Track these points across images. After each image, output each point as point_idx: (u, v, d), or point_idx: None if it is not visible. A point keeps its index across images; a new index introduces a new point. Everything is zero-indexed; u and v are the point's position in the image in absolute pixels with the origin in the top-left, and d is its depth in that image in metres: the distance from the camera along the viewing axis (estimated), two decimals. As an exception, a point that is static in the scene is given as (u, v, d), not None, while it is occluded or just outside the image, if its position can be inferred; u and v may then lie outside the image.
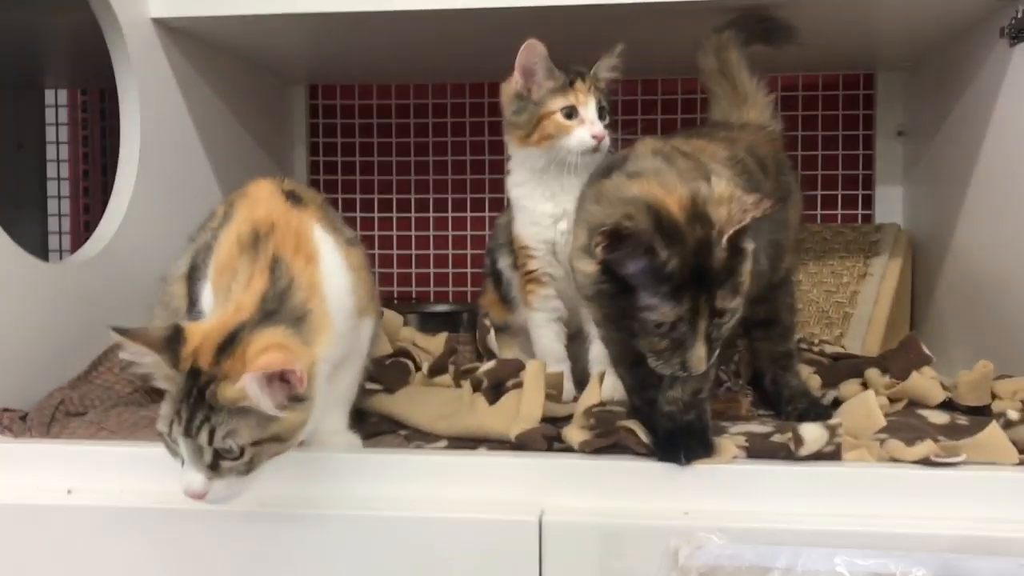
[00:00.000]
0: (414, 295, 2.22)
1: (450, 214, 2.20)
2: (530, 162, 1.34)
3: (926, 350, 1.24)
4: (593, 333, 1.36)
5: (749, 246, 0.91)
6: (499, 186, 2.17)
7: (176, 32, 1.59)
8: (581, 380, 1.34)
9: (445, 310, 2.08)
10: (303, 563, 0.97)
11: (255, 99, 1.96)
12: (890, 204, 2.01)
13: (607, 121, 1.30)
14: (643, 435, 0.98)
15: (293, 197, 1.05)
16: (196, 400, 0.87)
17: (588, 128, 1.28)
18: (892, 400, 1.17)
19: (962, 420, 1.12)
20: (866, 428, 1.01)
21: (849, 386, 1.24)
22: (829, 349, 1.38)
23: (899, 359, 1.24)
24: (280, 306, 0.92)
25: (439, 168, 2.20)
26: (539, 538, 0.93)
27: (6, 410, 1.17)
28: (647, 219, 0.89)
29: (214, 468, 0.88)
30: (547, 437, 1.02)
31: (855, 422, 1.01)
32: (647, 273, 0.89)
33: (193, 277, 1.07)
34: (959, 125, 1.65)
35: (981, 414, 1.15)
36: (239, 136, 1.90)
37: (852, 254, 1.76)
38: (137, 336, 0.90)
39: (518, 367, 1.16)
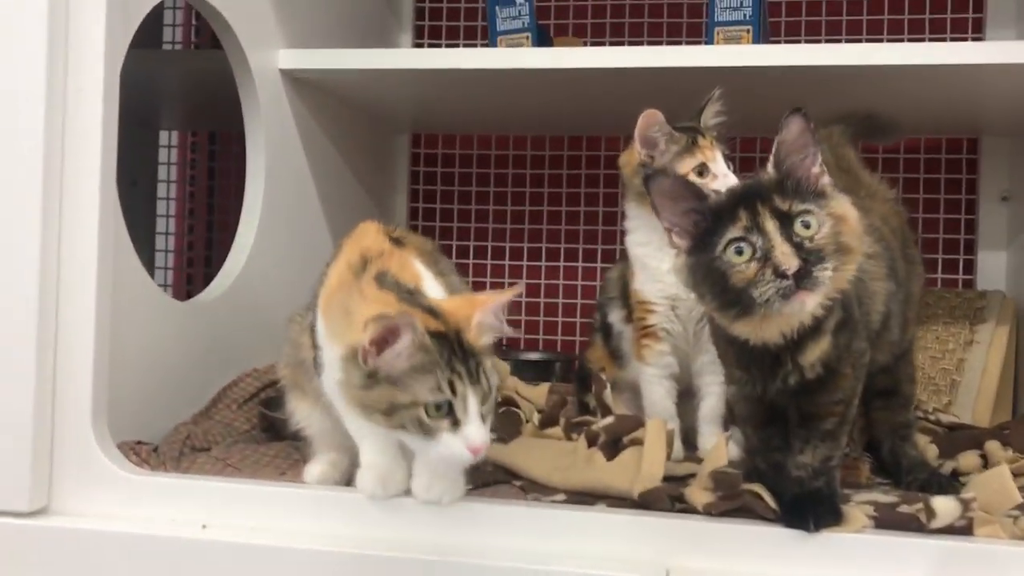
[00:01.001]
0: (504, 342, 2.25)
1: (543, 263, 2.23)
2: (654, 223, 1.36)
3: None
4: (704, 391, 1.38)
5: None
6: (593, 237, 2.21)
7: (299, 82, 1.66)
8: (686, 439, 1.35)
9: (537, 358, 2.10)
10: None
11: (362, 146, 2.02)
12: (993, 270, 1.99)
13: (732, 169, 1.32)
14: (770, 500, 0.99)
15: (396, 240, 1.10)
16: (463, 354, 0.93)
17: (723, 182, 1.30)
18: (1016, 475, 1.15)
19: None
20: (999, 504, 1.00)
21: (968, 458, 1.23)
22: (944, 418, 1.37)
23: (1020, 433, 1.23)
24: (403, 290, 0.99)
25: (534, 218, 2.24)
26: (665, 598, 0.94)
27: (139, 443, 1.22)
28: None
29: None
30: (671, 497, 1.03)
31: (987, 496, 1.00)
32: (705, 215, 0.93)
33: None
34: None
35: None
36: (348, 181, 1.96)
37: (956, 320, 1.74)
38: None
39: (636, 423, 1.17)
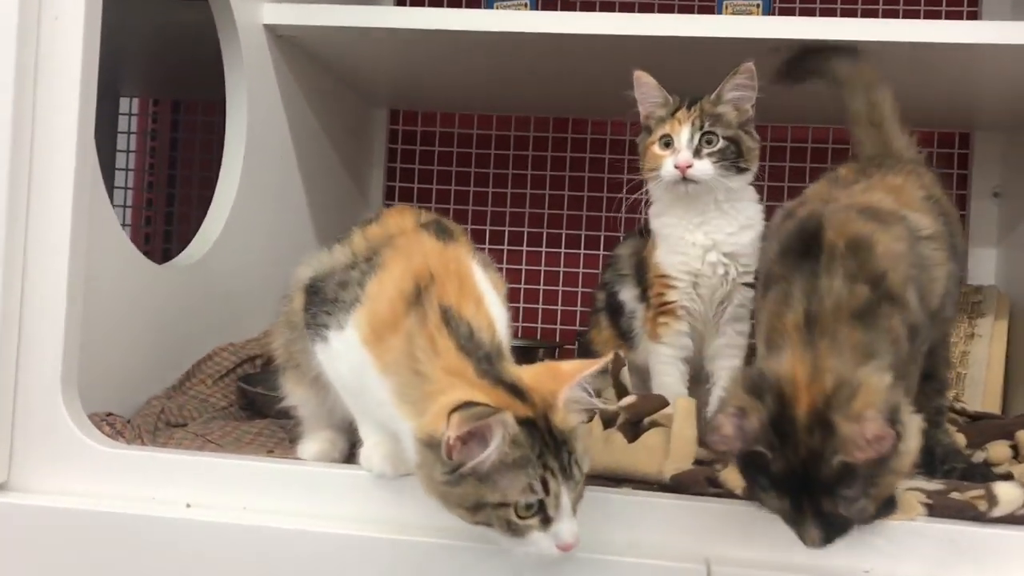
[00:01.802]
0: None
1: (525, 248, 2.15)
2: (656, 193, 1.30)
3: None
4: (717, 375, 1.31)
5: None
6: (576, 222, 2.13)
7: (283, 41, 1.56)
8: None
9: (520, 345, 2.01)
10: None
11: (341, 117, 1.92)
12: (983, 266, 1.95)
13: (716, 147, 1.24)
14: (815, 484, 0.91)
15: (440, 230, 0.99)
16: (554, 443, 0.82)
17: (674, 158, 1.24)
18: (1051, 465, 1.10)
19: None
20: None
21: (997, 448, 1.17)
22: (968, 408, 1.32)
23: (1053, 422, 1.18)
24: (481, 349, 0.87)
25: (516, 201, 2.15)
26: (707, 589, 0.86)
27: (110, 414, 1.10)
28: (764, 414, 0.82)
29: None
30: (707, 479, 0.95)
31: (1048, 485, 0.94)
32: (752, 460, 0.83)
33: (316, 296, 1.00)
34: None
35: None
36: (327, 153, 1.86)
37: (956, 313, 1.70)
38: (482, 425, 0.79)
39: (660, 403, 1.10)
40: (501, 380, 0.84)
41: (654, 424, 1.09)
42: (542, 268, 2.14)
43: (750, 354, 1.34)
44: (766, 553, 0.89)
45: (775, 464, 0.81)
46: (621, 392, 1.20)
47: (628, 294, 1.36)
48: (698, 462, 1.02)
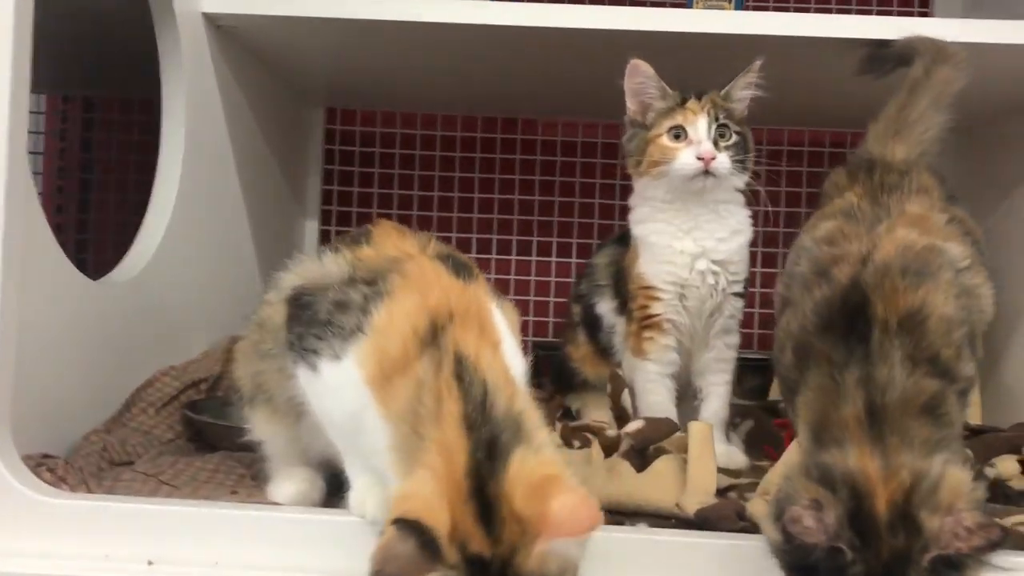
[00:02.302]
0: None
1: (472, 255, 2.04)
2: (649, 193, 1.22)
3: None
4: (706, 391, 1.24)
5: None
6: (527, 228, 2.04)
7: (222, 33, 1.43)
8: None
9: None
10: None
11: (277, 118, 1.79)
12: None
13: (730, 141, 1.19)
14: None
15: (459, 266, 0.86)
16: None
17: (694, 149, 1.16)
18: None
19: None
20: None
21: (1006, 463, 1.13)
22: (970, 422, 1.27)
23: (1060, 435, 1.14)
24: (490, 424, 0.73)
25: (463, 206, 2.05)
26: (747, 639, 0.78)
27: (46, 456, 0.96)
28: (841, 509, 0.73)
29: None
30: (737, 513, 0.87)
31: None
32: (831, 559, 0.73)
33: (304, 312, 0.87)
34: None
35: None
36: (264, 156, 1.73)
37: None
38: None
39: (670, 429, 1.01)
40: (483, 491, 0.69)
41: (660, 451, 1.01)
42: (492, 276, 2.03)
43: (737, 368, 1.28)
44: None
45: (854, 567, 0.72)
46: (621, 416, 1.11)
47: (605, 307, 1.28)
48: (721, 492, 0.94)
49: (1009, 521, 0.87)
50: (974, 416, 1.46)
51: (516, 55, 1.48)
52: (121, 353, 1.18)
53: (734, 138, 1.19)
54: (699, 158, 1.16)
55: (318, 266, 0.90)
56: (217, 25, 1.40)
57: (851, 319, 0.85)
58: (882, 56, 1.28)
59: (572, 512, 0.68)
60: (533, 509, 0.68)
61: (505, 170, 2.05)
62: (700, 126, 1.18)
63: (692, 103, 1.20)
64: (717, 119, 1.19)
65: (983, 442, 1.19)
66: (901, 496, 0.74)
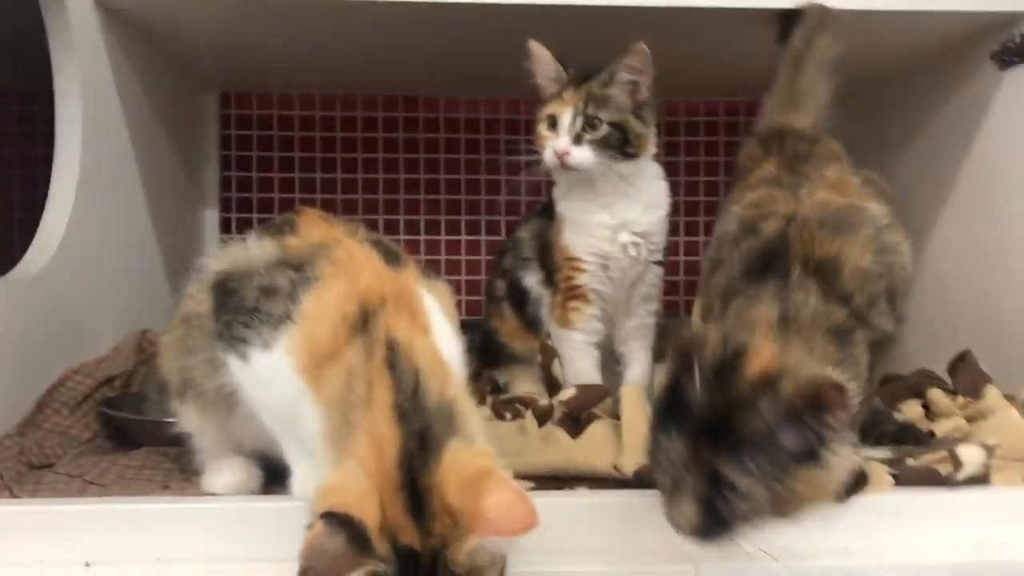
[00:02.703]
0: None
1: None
2: (583, 174, 1.23)
3: (983, 367, 1.21)
4: (629, 357, 1.27)
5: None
6: (435, 207, 2.03)
7: (113, 16, 1.37)
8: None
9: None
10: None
11: (173, 104, 1.73)
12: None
13: (598, 133, 1.19)
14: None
15: (388, 253, 0.86)
16: None
17: (554, 142, 1.19)
18: (968, 420, 1.12)
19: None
20: (1014, 449, 0.96)
21: (911, 407, 1.19)
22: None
23: (963, 378, 1.21)
24: (422, 413, 0.72)
25: (368, 187, 2.03)
26: (696, 589, 0.81)
27: (-38, 464, 0.92)
28: (717, 354, 0.77)
29: None
30: (673, 472, 0.89)
31: (1005, 442, 0.95)
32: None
33: (230, 299, 0.85)
34: (932, 148, 1.67)
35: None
36: (161, 145, 1.67)
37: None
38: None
39: (602, 394, 1.04)
40: (414, 482, 0.69)
41: (592, 417, 1.03)
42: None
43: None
44: (754, 542, 0.84)
45: (698, 404, 0.75)
46: (552, 384, 1.13)
47: (532, 279, 1.29)
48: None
49: (922, 460, 0.92)
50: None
51: (410, 31, 1.46)
52: (27, 353, 1.14)
53: (604, 130, 1.19)
54: (555, 152, 1.18)
55: (243, 250, 0.88)
56: (107, 8, 1.35)
57: (773, 263, 0.89)
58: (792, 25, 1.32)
59: (508, 511, 0.67)
60: (467, 503, 0.68)
61: (409, 149, 2.04)
62: (565, 118, 1.19)
63: (567, 92, 1.21)
64: (586, 110, 1.19)
65: (888, 390, 1.25)
66: (776, 370, 0.74)
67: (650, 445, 0.79)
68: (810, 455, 0.73)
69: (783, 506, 0.75)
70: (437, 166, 2.03)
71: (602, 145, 1.19)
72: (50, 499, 0.87)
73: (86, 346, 1.29)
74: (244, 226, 1.96)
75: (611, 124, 1.19)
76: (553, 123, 1.20)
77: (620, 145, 1.20)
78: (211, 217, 1.98)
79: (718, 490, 0.75)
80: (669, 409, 0.77)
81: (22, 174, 1.96)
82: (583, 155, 1.18)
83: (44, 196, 1.26)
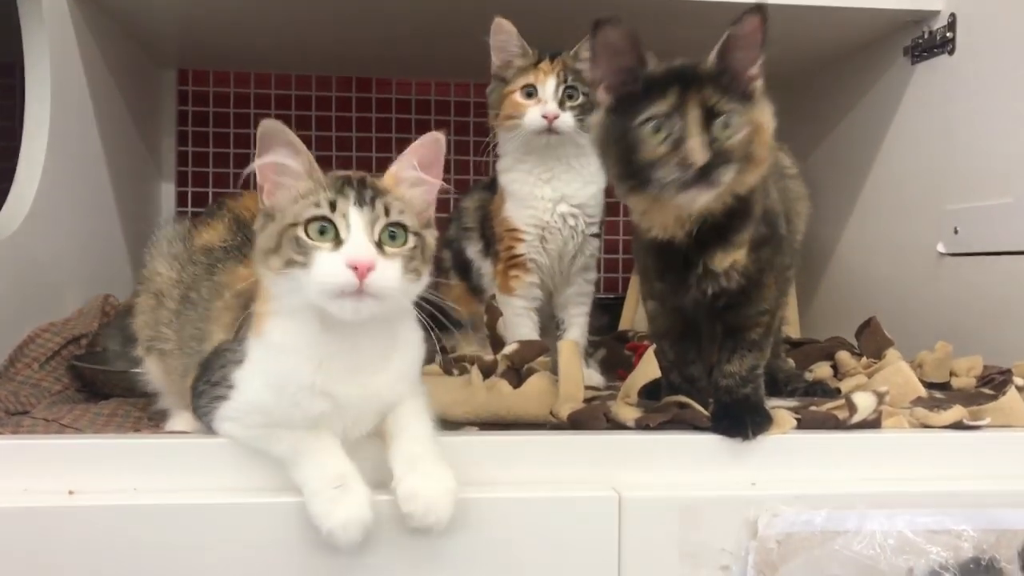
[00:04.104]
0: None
1: (333, 212, 2.10)
2: (508, 146, 1.32)
3: (887, 333, 1.33)
4: (568, 321, 1.36)
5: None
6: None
7: (81, -2, 1.43)
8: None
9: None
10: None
11: (133, 80, 1.79)
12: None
13: (577, 101, 1.29)
14: (700, 408, 0.99)
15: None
16: (359, 185, 0.85)
17: (541, 107, 1.28)
18: (871, 377, 1.24)
19: (938, 395, 1.21)
20: (903, 396, 1.08)
21: (822, 367, 1.31)
22: (791, 336, 1.45)
23: (868, 342, 1.33)
24: None
25: (322, 165, 2.09)
26: (619, 513, 0.91)
27: (-54, 407, 0.98)
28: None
29: None
30: (604, 415, 1.00)
31: (893, 391, 1.07)
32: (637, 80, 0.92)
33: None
34: (852, 135, 1.80)
35: (944, 389, 1.26)
36: (123, 118, 1.73)
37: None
38: None
39: (541, 349, 1.13)
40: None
41: (531, 371, 1.13)
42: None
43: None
44: (666, 474, 0.95)
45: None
46: (497, 342, 1.22)
47: (473, 249, 1.38)
48: (587, 400, 1.06)
49: (825, 407, 1.03)
50: (794, 331, 1.66)
51: (364, 14, 1.54)
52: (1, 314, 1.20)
53: (581, 98, 1.29)
54: (544, 116, 1.27)
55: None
56: (74, -12, 1.41)
57: None
58: None
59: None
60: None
61: (362, 128, 2.11)
62: (548, 86, 1.28)
63: (544, 64, 1.30)
64: (566, 80, 1.29)
65: (803, 352, 1.37)
66: None
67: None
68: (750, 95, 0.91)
69: (753, 136, 0.90)
70: (389, 145, 2.11)
71: (579, 112, 1.28)
72: (36, 435, 0.95)
73: (53, 305, 1.36)
74: (200, 200, 2.04)
75: (584, 94, 1.29)
76: (530, 93, 1.29)
77: (589, 115, 1.28)
78: (167, 190, 2.04)
79: (712, 118, 0.88)
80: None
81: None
82: (567, 120, 1.27)
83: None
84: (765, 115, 0.94)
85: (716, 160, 0.88)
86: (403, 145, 2.07)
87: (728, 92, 0.91)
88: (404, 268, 0.82)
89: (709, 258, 0.97)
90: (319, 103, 2.11)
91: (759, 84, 0.94)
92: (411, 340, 0.91)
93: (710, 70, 0.91)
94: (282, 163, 0.84)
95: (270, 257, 0.83)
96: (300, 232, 0.80)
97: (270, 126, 0.83)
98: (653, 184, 0.89)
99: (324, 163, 2.07)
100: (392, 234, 0.82)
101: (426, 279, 0.86)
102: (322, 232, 0.80)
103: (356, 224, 0.80)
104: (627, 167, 0.92)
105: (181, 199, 2.05)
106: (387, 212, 0.82)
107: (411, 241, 0.83)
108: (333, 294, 0.79)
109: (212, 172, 2.08)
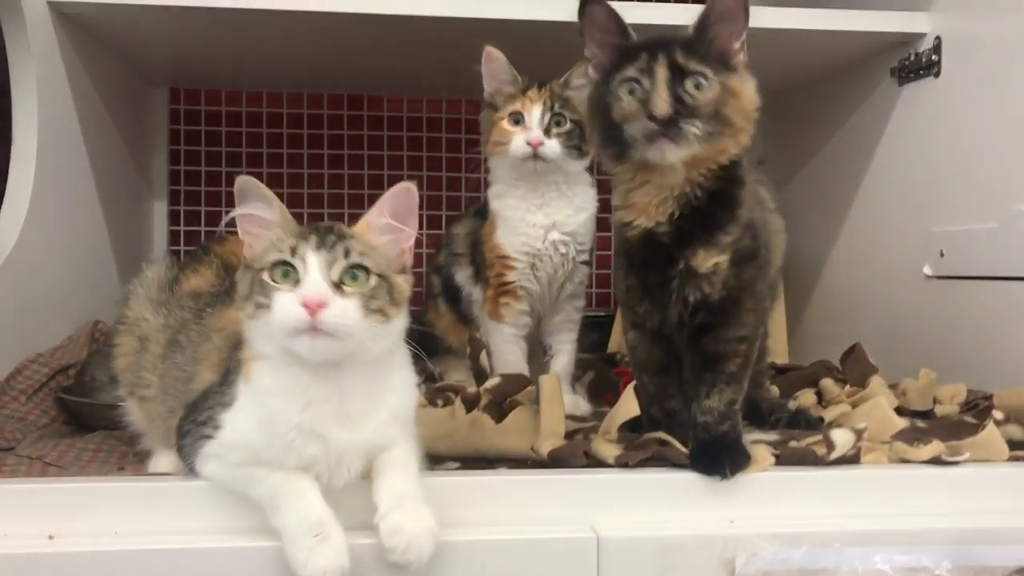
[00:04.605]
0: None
1: (325, 230, 2.11)
2: (498, 171, 1.33)
3: (871, 360, 1.34)
4: (555, 348, 1.37)
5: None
6: (376, 202, 2.11)
7: (67, 19, 1.44)
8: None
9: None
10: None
11: (123, 100, 1.79)
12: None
13: (563, 128, 1.30)
14: (678, 446, 0.99)
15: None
16: (324, 230, 0.87)
17: (526, 135, 1.29)
18: (853, 406, 1.25)
19: (920, 423, 1.21)
20: (882, 432, 1.08)
21: (806, 395, 1.32)
22: (776, 362, 1.46)
23: (852, 369, 1.33)
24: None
25: (313, 182, 2.11)
26: (597, 554, 0.91)
27: (-71, 447, 0.99)
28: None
29: None
30: (584, 452, 1.00)
31: (871, 426, 1.07)
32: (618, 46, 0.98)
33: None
34: (838, 155, 1.80)
35: (927, 417, 1.26)
36: (112, 139, 1.74)
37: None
38: None
39: (524, 383, 1.14)
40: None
41: (514, 404, 1.13)
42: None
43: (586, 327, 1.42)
44: (644, 512, 0.96)
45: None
46: (480, 374, 1.23)
47: (463, 275, 1.39)
48: (569, 434, 1.07)
49: (804, 441, 1.04)
50: (781, 356, 1.66)
51: (351, 37, 1.55)
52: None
53: (568, 126, 1.30)
54: (528, 143, 1.28)
55: None
56: (61, 12, 1.42)
57: None
58: None
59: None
60: None
61: (353, 146, 2.12)
62: (535, 113, 1.29)
63: (532, 91, 1.31)
64: (553, 108, 1.30)
65: (788, 379, 1.38)
66: None
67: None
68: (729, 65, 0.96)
69: (726, 99, 0.94)
70: (381, 162, 2.12)
71: (566, 139, 1.30)
72: (15, 479, 0.95)
73: (41, 333, 1.36)
74: (192, 219, 2.05)
75: (572, 122, 1.30)
76: (517, 120, 1.30)
77: (578, 142, 1.31)
78: (160, 209, 2.04)
79: (682, 79, 0.94)
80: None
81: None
82: (553, 146, 1.28)
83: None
84: (745, 86, 0.98)
85: (682, 113, 0.93)
86: (395, 162, 2.11)
87: (704, 58, 0.96)
88: (364, 307, 0.83)
89: (692, 255, 0.99)
90: (311, 121, 2.11)
91: (742, 58, 0.99)
92: (403, 383, 0.93)
93: (686, 37, 0.97)
94: (256, 215, 0.85)
95: (245, 304, 0.85)
96: (265, 276, 0.83)
97: (243, 181, 0.86)
98: (626, 144, 0.96)
99: (316, 180, 2.09)
100: (353, 275, 0.84)
101: (400, 322, 0.88)
102: (285, 275, 0.83)
103: (312, 265, 0.83)
104: (607, 132, 0.98)
105: (173, 218, 2.06)
106: (347, 254, 0.84)
107: (373, 281, 0.84)
108: (289, 332, 0.82)
109: (204, 191, 2.08)
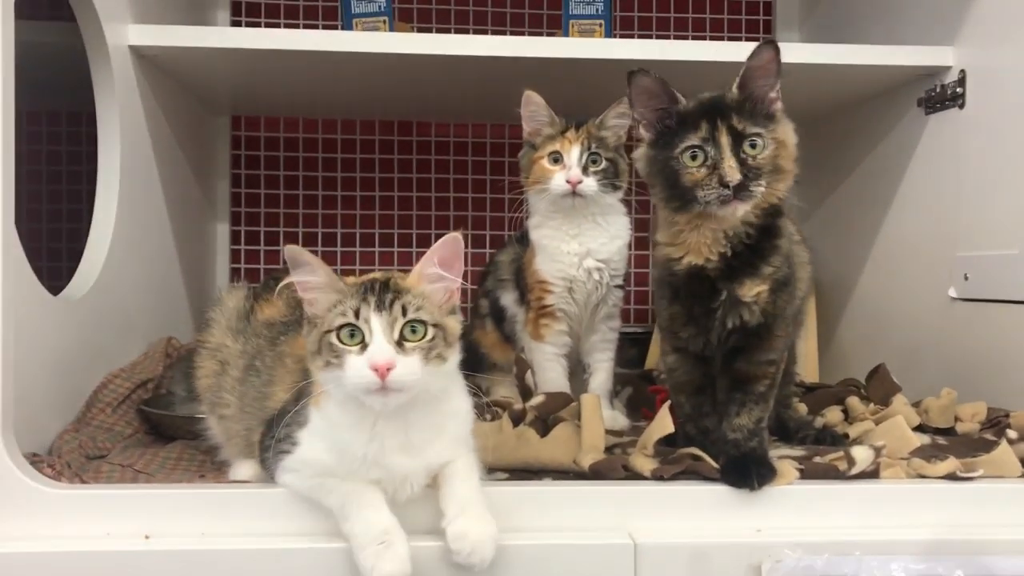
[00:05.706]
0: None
1: (376, 249, 2.22)
2: (537, 204, 1.43)
3: (895, 379, 1.41)
4: (594, 366, 1.46)
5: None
6: (426, 223, 2.23)
7: (144, 60, 1.56)
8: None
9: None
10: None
11: (190, 129, 1.92)
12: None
13: (600, 167, 1.39)
14: (710, 461, 1.08)
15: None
16: (381, 289, 0.96)
17: (565, 173, 1.38)
18: (877, 423, 1.32)
19: (941, 440, 1.29)
20: (899, 449, 1.16)
21: (832, 412, 1.39)
22: (805, 380, 1.54)
23: (876, 388, 1.41)
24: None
25: (365, 204, 2.22)
26: (634, 558, 1.00)
27: (36, 455, 1.11)
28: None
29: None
30: (623, 466, 1.09)
31: (889, 443, 1.15)
32: (672, 116, 1.07)
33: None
34: (867, 182, 1.87)
35: (948, 434, 1.33)
36: (181, 167, 1.86)
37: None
38: None
39: (567, 400, 1.23)
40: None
41: (558, 420, 1.22)
42: (395, 268, 2.22)
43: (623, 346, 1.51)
44: (678, 522, 1.05)
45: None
46: (526, 392, 1.32)
47: (508, 298, 1.49)
48: (608, 449, 1.16)
49: (827, 457, 1.12)
50: (812, 375, 1.74)
51: (403, 76, 1.66)
52: (76, 359, 1.32)
53: (604, 164, 1.40)
54: (568, 181, 1.38)
55: None
56: (140, 55, 1.54)
57: None
58: None
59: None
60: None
61: (403, 169, 2.23)
62: (573, 154, 1.39)
63: (570, 133, 1.41)
64: (590, 148, 1.39)
65: (815, 397, 1.45)
66: None
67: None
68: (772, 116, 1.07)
69: (778, 151, 1.05)
70: (429, 185, 2.23)
71: (602, 176, 1.39)
72: (115, 484, 1.07)
73: (121, 350, 1.48)
74: (252, 239, 2.17)
75: (607, 160, 1.40)
76: (556, 159, 1.40)
77: (612, 178, 1.40)
78: (222, 230, 2.17)
79: (740, 142, 1.04)
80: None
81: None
82: (590, 184, 1.38)
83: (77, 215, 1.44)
84: (787, 132, 1.08)
85: (748, 176, 1.04)
86: (442, 185, 2.20)
87: (752, 116, 1.06)
88: (425, 358, 0.93)
89: (738, 285, 1.08)
90: (363, 146, 2.22)
91: (779, 106, 1.09)
92: (460, 409, 1.03)
93: (734, 99, 1.06)
94: (304, 280, 0.96)
95: (315, 358, 0.95)
96: (333, 338, 0.93)
97: (290, 251, 0.96)
98: (698, 203, 1.05)
99: (368, 203, 2.20)
100: (412, 328, 0.93)
101: (455, 358, 0.98)
102: (352, 335, 0.93)
103: (376, 328, 0.92)
104: (672, 191, 1.08)
105: (235, 238, 2.18)
106: (404, 312, 0.93)
107: (430, 333, 0.94)
108: (362, 391, 0.91)
109: (264, 211, 2.20)
